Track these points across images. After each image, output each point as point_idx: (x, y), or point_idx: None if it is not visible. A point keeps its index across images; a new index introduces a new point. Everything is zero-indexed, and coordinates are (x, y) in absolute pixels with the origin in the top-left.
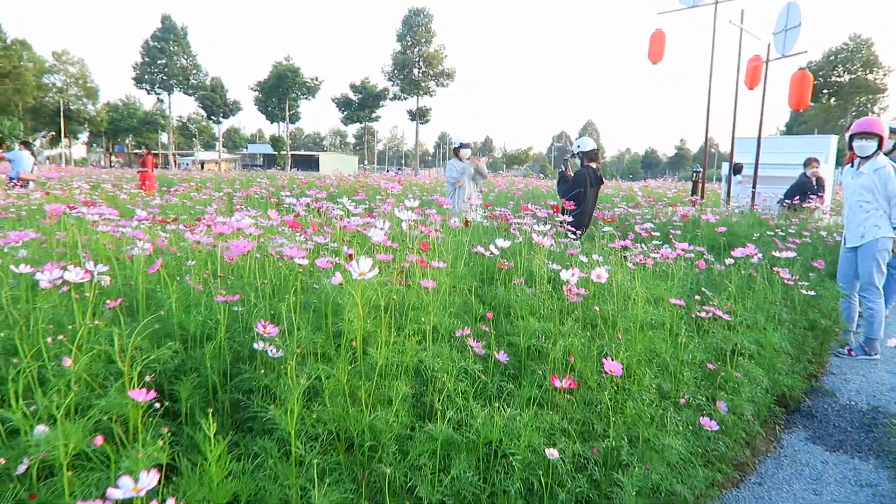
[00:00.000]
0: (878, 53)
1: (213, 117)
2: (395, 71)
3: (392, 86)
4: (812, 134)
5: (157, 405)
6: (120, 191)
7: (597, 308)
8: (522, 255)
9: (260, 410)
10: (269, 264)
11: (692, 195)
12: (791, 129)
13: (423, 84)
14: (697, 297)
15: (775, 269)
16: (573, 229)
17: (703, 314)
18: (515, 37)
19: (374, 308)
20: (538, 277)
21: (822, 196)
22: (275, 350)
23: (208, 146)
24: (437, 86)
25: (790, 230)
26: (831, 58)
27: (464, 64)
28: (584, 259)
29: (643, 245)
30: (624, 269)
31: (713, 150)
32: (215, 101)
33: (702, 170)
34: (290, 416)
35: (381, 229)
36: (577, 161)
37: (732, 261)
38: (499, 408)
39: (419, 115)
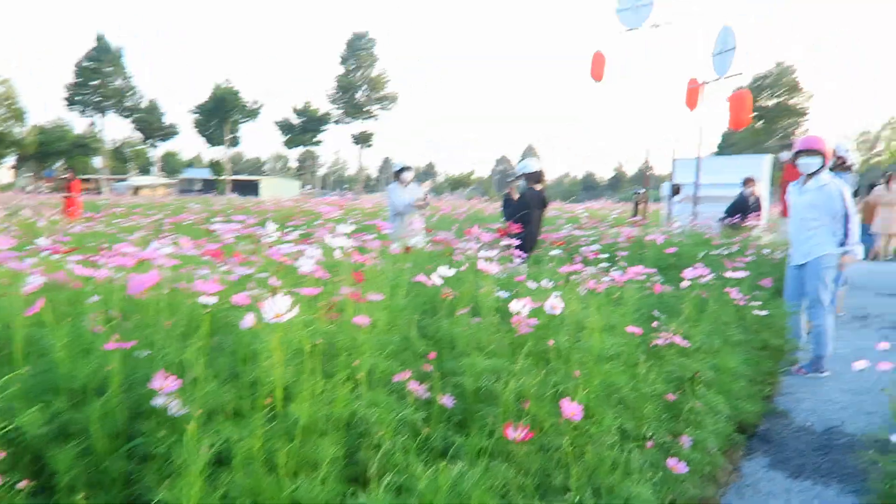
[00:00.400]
0: (798, 79)
1: (149, 140)
2: (339, 94)
3: (335, 109)
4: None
5: (23, 482)
6: (41, 217)
7: (551, 342)
8: (468, 282)
9: (152, 486)
10: (183, 301)
11: (634, 216)
12: (722, 150)
13: (365, 108)
14: (655, 323)
15: (727, 289)
16: (521, 253)
17: (659, 341)
18: (456, 61)
19: (298, 352)
20: (485, 307)
21: (759, 214)
22: (177, 406)
23: (145, 171)
24: (381, 109)
25: (733, 248)
26: (757, 83)
27: (407, 88)
28: (533, 285)
29: (593, 268)
30: (575, 296)
31: (650, 173)
32: (151, 124)
33: (643, 191)
34: (186, 493)
35: (311, 258)
36: (522, 183)
37: (688, 282)
38: (445, 465)
39: (362, 140)
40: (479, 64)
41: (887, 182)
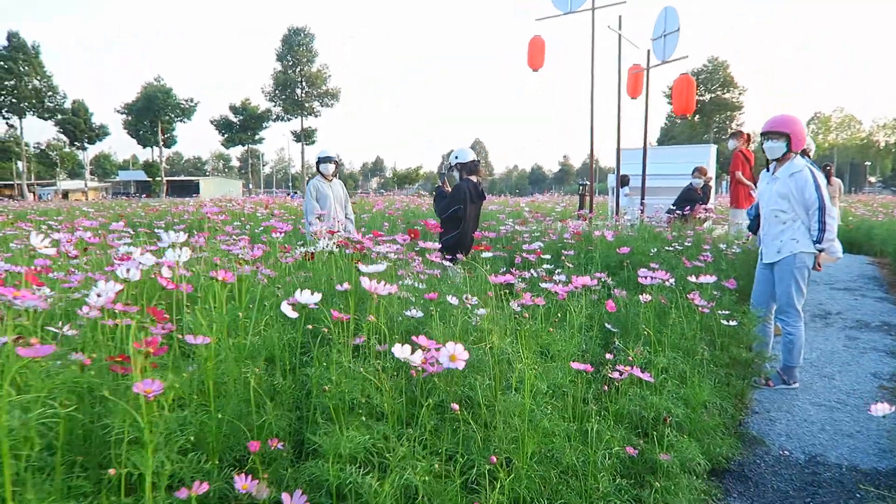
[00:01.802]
0: (733, 75)
1: (76, 143)
2: (277, 91)
3: (274, 106)
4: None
5: None
6: None
7: (455, 406)
8: (370, 302)
9: None
10: None
11: (580, 209)
12: (662, 143)
13: (306, 104)
14: (609, 355)
15: (689, 295)
16: (449, 256)
17: (615, 374)
18: (403, 57)
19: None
20: (380, 340)
21: (708, 205)
22: None
23: (75, 174)
24: (322, 106)
25: (686, 243)
26: (693, 77)
27: (350, 84)
28: (454, 301)
29: (533, 271)
30: (504, 322)
31: (596, 165)
32: (78, 126)
33: (588, 183)
34: None
35: (100, 293)
36: (455, 175)
37: (648, 297)
38: None
39: (304, 136)
40: (430, 65)
41: (827, 177)
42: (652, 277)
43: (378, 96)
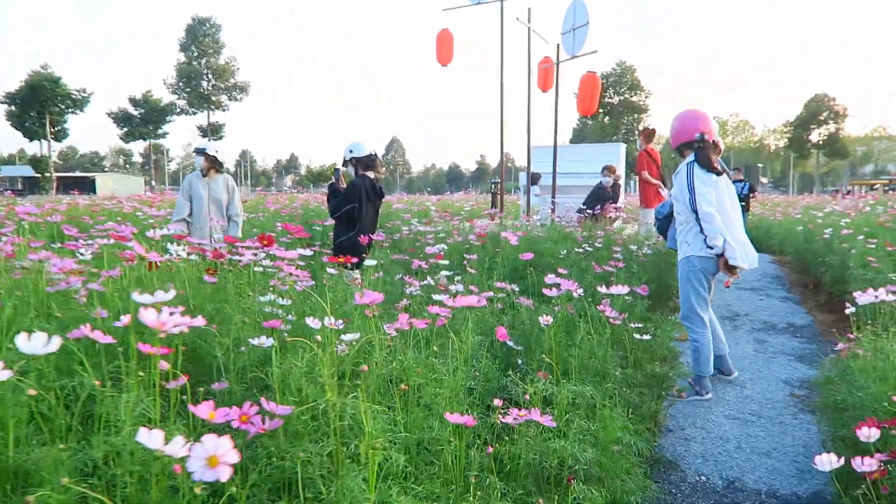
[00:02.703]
0: (640, 78)
1: None
2: (181, 84)
3: (178, 99)
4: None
5: None
6: None
7: None
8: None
9: None
10: None
11: (492, 208)
12: (574, 143)
13: (213, 98)
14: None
15: (599, 306)
16: (354, 261)
17: (510, 420)
18: (319, 50)
19: None
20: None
21: (618, 204)
22: None
23: None
24: (230, 100)
25: (597, 244)
26: (603, 80)
27: (260, 78)
28: (315, 324)
29: (431, 278)
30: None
31: (509, 164)
32: None
33: (499, 181)
34: None
35: None
36: (351, 170)
37: (550, 319)
38: None
39: (211, 132)
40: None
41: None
42: (559, 288)
43: (292, 90)
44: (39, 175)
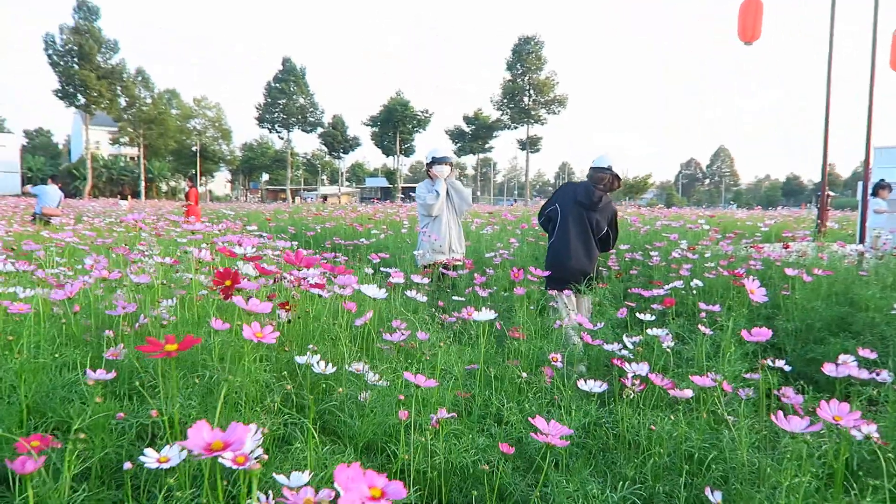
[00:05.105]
0: None
1: (333, 153)
2: (505, 100)
3: (502, 115)
4: None
5: None
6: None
7: None
8: None
9: None
10: None
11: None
12: None
13: (533, 112)
14: None
15: None
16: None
17: None
18: (631, 57)
19: None
20: None
21: None
22: None
23: (333, 181)
24: (549, 113)
25: None
26: None
27: (577, 89)
28: None
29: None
30: None
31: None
32: (336, 138)
33: (822, 193)
34: None
35: None
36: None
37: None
38: None
39: (529, 144)
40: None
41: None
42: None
43: (606, 99)
44: (391, 185)
